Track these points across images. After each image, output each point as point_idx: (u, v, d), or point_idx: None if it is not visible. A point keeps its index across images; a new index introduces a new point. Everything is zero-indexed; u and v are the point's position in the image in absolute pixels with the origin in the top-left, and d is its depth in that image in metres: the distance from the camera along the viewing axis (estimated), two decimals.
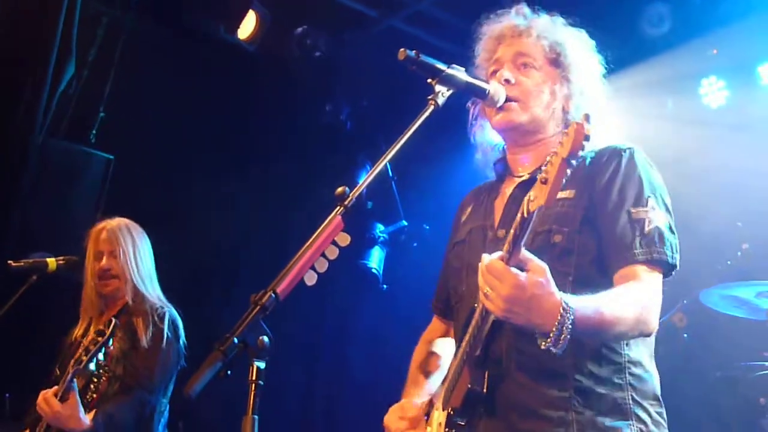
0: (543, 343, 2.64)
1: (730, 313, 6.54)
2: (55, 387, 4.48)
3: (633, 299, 2.87)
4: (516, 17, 3.45)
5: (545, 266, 2.62)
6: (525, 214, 2.56)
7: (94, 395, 4.65)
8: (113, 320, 4.44)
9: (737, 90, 7.50)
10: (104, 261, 5.01)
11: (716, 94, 7.58)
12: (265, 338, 2.33)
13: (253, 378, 2.30)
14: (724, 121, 7.36)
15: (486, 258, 2.67)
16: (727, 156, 7.07)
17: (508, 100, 3.23)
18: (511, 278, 2.58)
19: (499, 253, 2.65)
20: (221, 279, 8.23)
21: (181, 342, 4.96)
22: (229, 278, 8.24)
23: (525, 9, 3.47)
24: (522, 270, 2.61)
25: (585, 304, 2.70)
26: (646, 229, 2.99)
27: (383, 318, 8.60)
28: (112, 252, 5.02)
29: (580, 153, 2.43)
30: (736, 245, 6.95)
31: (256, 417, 2.27)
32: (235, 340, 2.27)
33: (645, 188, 3.08)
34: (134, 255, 5.03)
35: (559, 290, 2.64)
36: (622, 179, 3.08)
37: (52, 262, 4.86)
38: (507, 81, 3.27)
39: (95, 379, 4.66)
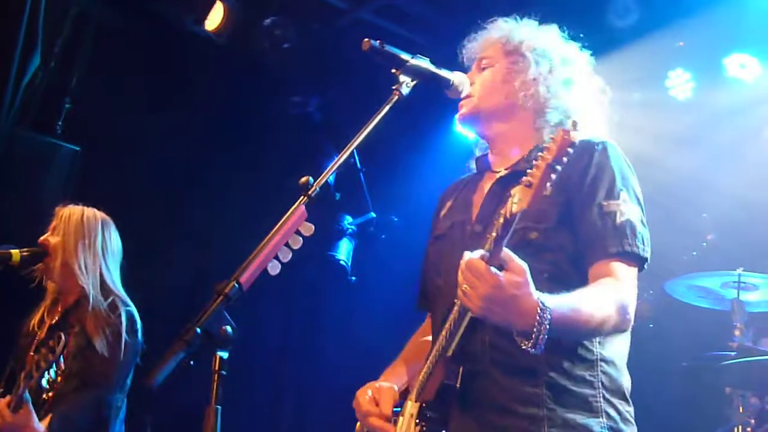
0: (522, 343, 2.65)
1: (696, 303, 6.59)
2: (8, 397, 4.41)
3: (609, 296, 2.89)
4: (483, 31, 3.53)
5: (525, 266, 2.63)
6: (508, 216, 2.56)
7: (50, 393, 4.58)
8: (62, 336, 4.30)
9: (703, 82, 7.54)
10: (44, 235, 4.92)
11: (683, 86, 7.62)
12: (228, 328, 2.33)
13: (216, 368, 2.30)
14: (691, 113, 7.41)
15: (467, 256, 2.67)
16: (694, 148, 7.13)
17: (467, 97, 3.34)
18: (491, 278, 2.59)
19: (480, 252, 2.65)
20: (188, 268, 8.19)
21: (138, 337, 4.83)
22: (196, 267, 8.21)
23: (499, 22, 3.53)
24: (502, 268, 2.62)
25: (561, 303, 2.71)
26: (618, 221, 3.01)
27: (351, 310, 8.61)
28: (55, 228, 4.92)
29: (565, 159, 2.44)
30: (702, 236, 7.02)
31: (219, 407, 2.27)
32: (198, 330, 2.27)
33: (617, 181, 3.09)
34: (76, 238, 4.88)
35: (535, 287, 2.65)
36: (595, 173, 3.09)
37: (16, 253, 4.76)
38: (472, 85, 3.37)
39: (51, 378, 4.59)
